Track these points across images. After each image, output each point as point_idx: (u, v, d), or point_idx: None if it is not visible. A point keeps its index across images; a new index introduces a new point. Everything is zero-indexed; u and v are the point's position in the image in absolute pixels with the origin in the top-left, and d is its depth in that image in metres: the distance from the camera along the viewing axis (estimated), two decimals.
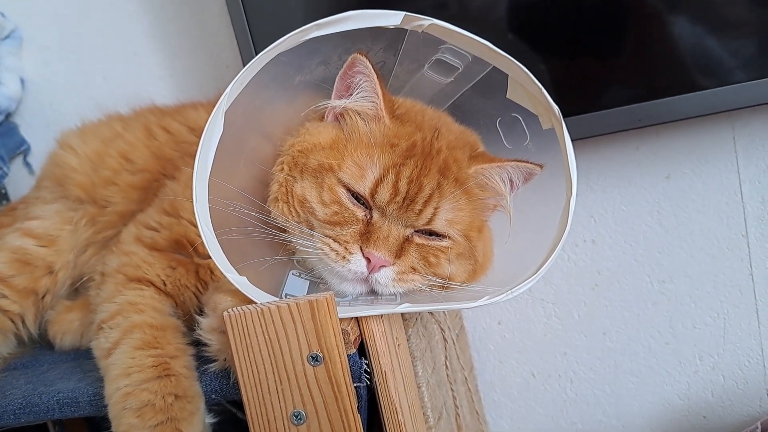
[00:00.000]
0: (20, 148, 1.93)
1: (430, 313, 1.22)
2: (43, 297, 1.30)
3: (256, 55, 0.98)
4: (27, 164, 1.95)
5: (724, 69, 1.34)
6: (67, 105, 1.92)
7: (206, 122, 0.95)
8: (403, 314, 1.11)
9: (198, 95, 1.74)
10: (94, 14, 1.83)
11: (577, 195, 0.99)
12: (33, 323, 1.30)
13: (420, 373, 1.13)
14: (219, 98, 1.42)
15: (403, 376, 1.04)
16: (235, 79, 0.95)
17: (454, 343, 1.30)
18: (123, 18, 1.81)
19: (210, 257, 1.07)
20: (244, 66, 0.97)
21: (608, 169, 1.62)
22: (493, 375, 1.79)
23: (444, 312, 1.29)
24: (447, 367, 1.22)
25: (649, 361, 1.69)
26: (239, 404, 1.12)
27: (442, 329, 1.21)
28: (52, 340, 1.29)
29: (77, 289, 1.36)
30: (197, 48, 1.80)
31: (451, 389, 1.24)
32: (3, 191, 1.89)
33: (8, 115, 1.90)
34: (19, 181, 1.94)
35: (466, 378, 1.40)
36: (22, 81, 1.90)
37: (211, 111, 1.35)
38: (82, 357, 1.20)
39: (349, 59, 1.01)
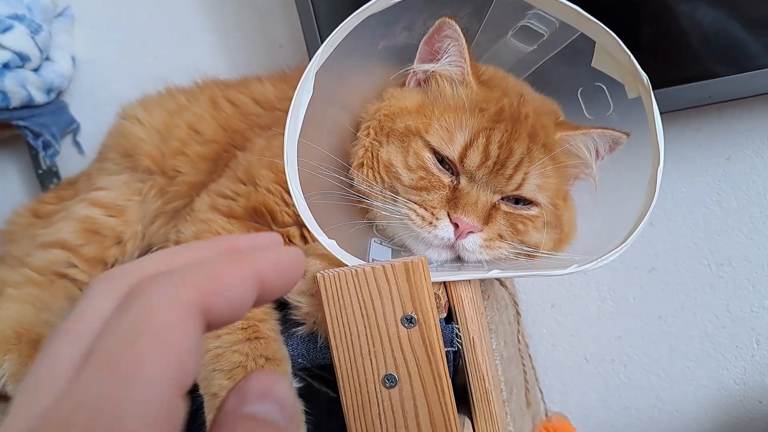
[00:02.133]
0: (70, 126, 1.93)
1: (504, 285, 1.21)
2: (111, 267, 1.30)
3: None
4: (76, 143, 1.96)
5: None
6: (117, 85, 1.92)
7: (284, 86, 0.94)
8: (480, 286, 1.10)
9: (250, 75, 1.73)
10: None
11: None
12: None
13: (494, 347, 1.12)
14: (282, 73, 1.44)
15: (485, 344, 1.03)
16: (328, 40, 0.95)
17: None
18: None
19: (289, 225, 1.08)
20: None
21: (668, 150, 1.54)
22: (545, 358, 1.77)
23: (515, 285, 1.28)
24: (519, 341, 1.21)
25: (705, 346, 1.67)
26: (320, 377, 1.12)
27: (515, 302, 1.20)
28: None
29: None
30: (249, 27, 1.80)
31: (522, 364, 1.23)
32: (54, 170, 1.90)
33: (59, 93, 1.91)
34: (69, 161, 1.94)
35: (530, 356, 1.38)
36: (73, 59, 1.90)
37: (275, 84, 1.36)
38: None
39: (437, 23, 1.01)
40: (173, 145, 1.34)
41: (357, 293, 0.88)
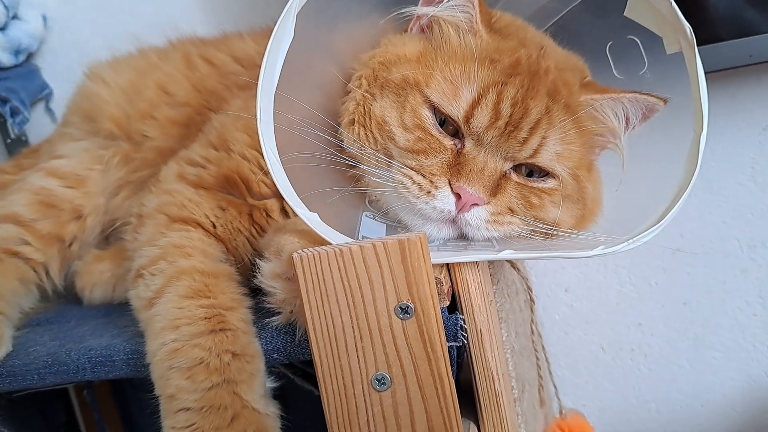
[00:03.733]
0: (42, 92, 1.78)
1: (516, 268, 1.05)
2: (70, 245, 1.16)
3: None
4: (49, 110, 1.80)
5: None
6: (92, 45, 1.76)
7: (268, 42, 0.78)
8: (490, 270, 0.95)
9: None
10: None
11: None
12: (58, 274, 1.16)
13: (504, 338, 0.97)
14: (266, 29, 1.27)
15: (495, 337, 0.87)
16: None
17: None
18: None
19: (267, 197, 0.93)
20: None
21: None
22: (558, 347, 1.63)
23: (526, 266, 1.13)
24: (532, 332, 1.06)
25: (734, 335, 1.52)
26: (302, 371, 0.97)
27: (528, 288, 1.05)
28: (80, 292, 1.14)
29: (108, 237, 1.21)
30: None
31: (536, 356, 1.08)
32: (24, 138, 1.74)
33: (29, 56, 1.75)
34: (41, 129, 1.79)
35: (543, 347, 1.23)
36: (45, 19, 1.75)
37: (258, 40, 1.20)
38: (115, 312, 1.05)
39: None
40: (141, 108, 1.18)
41: (342, 277, 0.73)
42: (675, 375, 1.57)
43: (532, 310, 1.06)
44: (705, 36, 1.21)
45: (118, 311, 1.04)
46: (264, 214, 0.96)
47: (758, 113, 1.41)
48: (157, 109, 1.18)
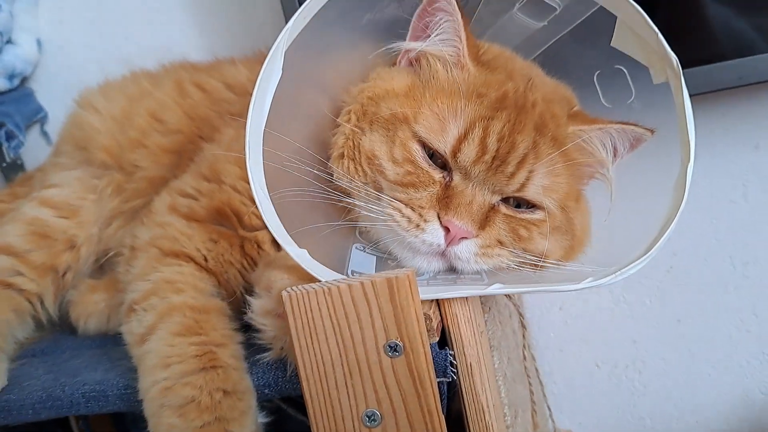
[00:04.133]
0: (37, 115, 1.78)
1: (508, 296, 1.06)
2: (64, 275, 1.16)
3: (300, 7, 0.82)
4: (44, 133, 1.80)
5: None
6: (87, 69, 1.76)
7: (260, 69, 0.79)
8: (480, 298, 0.95)
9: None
10: None
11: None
12: (53, 304, 1.15)
13: (496, 365, 0.98)
14: (258, 54, 1.28)
15: (485, 369, 0.88)
16: (299, 12, 0.80)
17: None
18: None
19: (258, 229, 0.94)
20: (285, 22, 0.81)
21: None
22: (553, 365, 1.63)
23: (520, 296, 1.14)
24: (524, 357, 1.06)
25: (728, 351, 1.52)
26: (295, 401, 0.97)
27: (520, 314, 1.05)
28: (74, 323, 1.14)
29: (102, 267, 1.21)
30: (229, 2, 1.64)
31: (529, 382, 1.08)
32: (19, 162, 1.74)
33: (24, 80, 1.76)
34: (36, 152, 1.79)
35: (536, 369, 1.24)
36: (39, 43, 1.75)
37: (250, 67, 1.21)
38: (109, 343, 1.05)
39: None
40: (132, 136, 1.19)
41: (330, 315, 0.74)
42: (670, 391, 1.58)
43: (523, 336, 1.07)
44: (695, 57, 1.22)
45: (112, 342, 1.04)
46: (255, 246, 0.96)
47: (749, 132, 1.42)
48: (149, 137, 1.18)
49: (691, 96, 1.25)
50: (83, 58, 1.77)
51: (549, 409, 1.20)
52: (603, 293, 1.57)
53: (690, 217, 1.48)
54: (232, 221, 0.97)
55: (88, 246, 1.17)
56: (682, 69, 1.21)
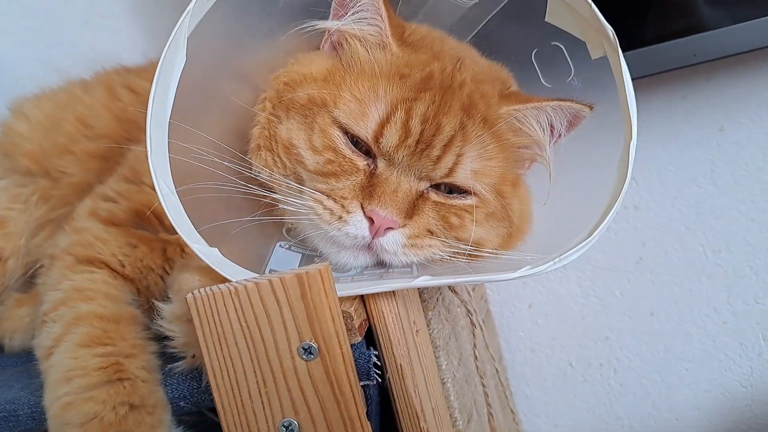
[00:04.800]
0: None
1: (454, 291, 1.00)
2: None
3: None
4: None
5: None
6: (35, 80, 1.69)
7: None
8: (421, 294, 0.90)
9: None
10: None
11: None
12: None
13: (444, 366, 0.92)
14: None
15: (424, 369, 0.82)
16: None
17: (482, 328, 1.08)
18: None
19: None
20: None
21: (651, 122, 1.39)
22: (525, 366, 1.57)
23: (470, 291, 1.07)
24: (476, 357, 1.00)
25: (705, 344, 1.46)
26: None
27: (468, 311, 0.99)
28: (0, 340, 1.08)
29: (33, 278, 1.14)
30: (175, 8, 1.58)
31: (482, 383, 1.02)
32: None
33: None
34: None
35: (497, 369, 1.18)
36: None
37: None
38: (33, 360, 0.99)
39: None
40: (59, 142, 1.13)
41: (239, 318, 0.68)
42: (647, 389, 1.51)
43: (473, 334, 1.01)
44: (647, 36, 1.17)
45: (35, 359, 0.98)
46: (179, 249, 0.90)
47: (712, 113, 1.36)
48: (76, 143, 1.12)
49: (646, 77, 1.21)
50: (32, 67, 1.71)
51: (512, 411, 1.13)
52: (572, 288, 1.51)
53: (657, 206, 1.43)
54: (152, 224, 0.91)
55: (15, 258, 1.11)
56: (634, 49, 1.17)
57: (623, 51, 0.94)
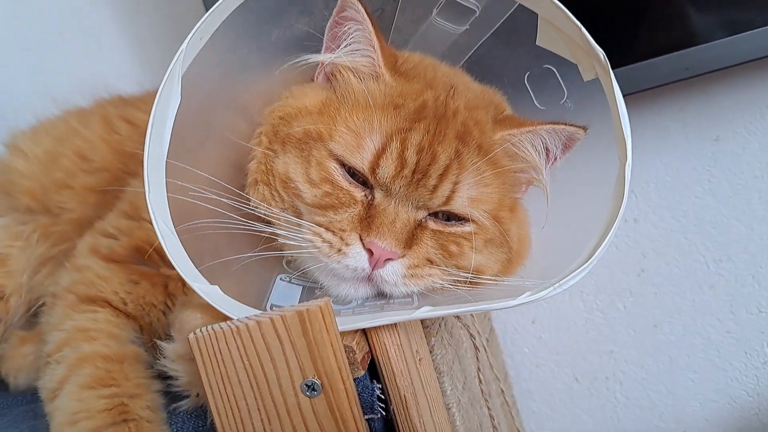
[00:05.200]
0: None
1: (456, 315, 1.00)
2: None
3: None
4: None
5: None
6: (34, 110, 1.71)
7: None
8: (423, 321, 0.90)
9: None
10: (49, 6, 1.64)
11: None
12: None
13: (449, 392, 0.92)
14: None
15: (428, 398, 0.82)
16: (193, 32, 0.75)
17: (485, 349, 1.08)
18: (81, 6, 1.61)
19: None
20: None
21: (647, 134, 1.40)
22: (530, 382, 1.56)
23: (472, 314, 1.07)
24: (480, 380, 1.00)
25: (710, 354, 1.46)
26: None
27: (471, 335, 0.99)
28: (5, 378, 1.08)
29: (36, 315, 1.15)
30: (168, 32, 1.60)
31: (487, 406, 1.02)
32: None
33: None
34: None
35: (501, 389, 1.18)
36: None
37: None
38: (38, 399, 0.99)
39: (338, 2, 0.81)
40: (58, 178, 1.13)
41: (242, 356, 0.68)
42: (653, 401, 1.51)
43: (477, 357, 1.01)
44: (641, 51, 1.17)
45: (40, 399, 0.98)
46: (180, 284, 0.90)
47: (708, 124, 1.37)
48: (75, 177, 1.13)
49: (641, 92, 1.22)
50: (30, 97, 1.71)
51: (519, 431, 1.13)
52: (575, 303, 1.51)
53: (656, 217, 1.43)
54: (153, 259, 0.91)
55: (18, 296, 1.11)
56: (628, 65, 1.17)
57: (616, 67, 0.94)
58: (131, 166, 1.09)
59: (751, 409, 1.46)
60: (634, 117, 1.36)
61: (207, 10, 1.25)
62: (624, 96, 0.81)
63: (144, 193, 0.91)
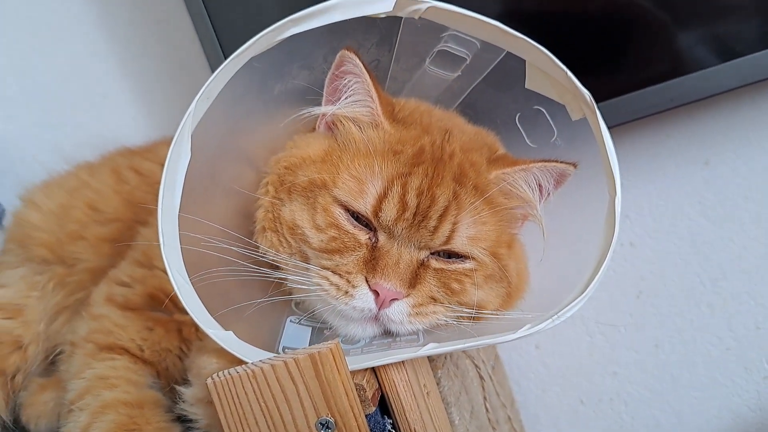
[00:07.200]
0: None
1: None
2: (14, 377, 1.13)
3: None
4: (3, 228, 1.79)
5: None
6: (41, 160, 1.76)
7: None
8: (429, 356, 0.93)
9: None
10: (55, 59, 1.68)
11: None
12: (5, 408, 1.12)
13: (457, 422, 0.95)
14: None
15: (437, 429, 0.85)
16: (200, 93, 0.80)
17: (491, 378, 1.12)
18: (86, 59, 1.66)
19: None
20: None
21: (638, 161, 1.44)
22: (537, 407, 1.59)
23: None
24: (487, 409, 1.03)
25: (711, 372, 1.49)
26: None
27: (476, 365, 1.03)
28: (26, 425, 1.11)
29: (54, 363, 1.18)
30: (171, 81, 1.65)
31: None
32: None
33: None
34: None
35: (509, 416, 1.21)
36: None
37: None
38: None
39: (336, 58, 0.86)
40: (71, 229, 1.17)
41: (258, 399, 0.71)
42: (658, 420, 1.54)
43: (483, 386, 1.04)
44: (625, 85, 1.22)
45: None
46: (193, 329, 0.94)
47: (696, 149, 1.41)
48: (87, 228, 1.17)
49: (629, 122, 1.26)
50: (37, 148, 1.76)
51: None
52: (577, 327, 1.54)
53: (652, 241, 1.47)
54: (167, 306, 0.94)
55: (36, 345, 1.15)
56: (612, 98, 1.22)
57: (604, 100, 0.98)
58: (142, 215, 1.13)
59: (755, 424, 1.48)
60: (624, 146, 1.42)
61: (209, 60, 1.31)
62: (613, 127, 0.86)
63: (155, 242, 0.96)
